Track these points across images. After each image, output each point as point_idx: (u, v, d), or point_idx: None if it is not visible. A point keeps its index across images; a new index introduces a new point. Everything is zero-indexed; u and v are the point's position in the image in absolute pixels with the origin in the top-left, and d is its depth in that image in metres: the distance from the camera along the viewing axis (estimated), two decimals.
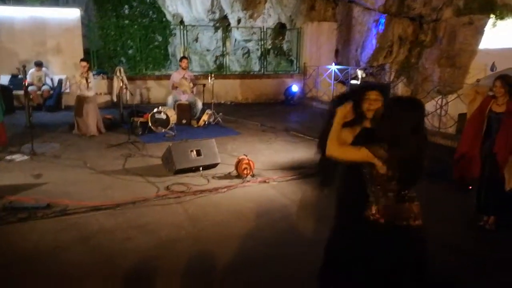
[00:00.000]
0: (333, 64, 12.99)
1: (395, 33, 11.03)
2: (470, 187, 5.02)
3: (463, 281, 3.48)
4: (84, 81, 8.18)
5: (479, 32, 9.95)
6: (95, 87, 8.76)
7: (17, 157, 6.60)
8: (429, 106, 9.58)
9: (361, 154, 2.30)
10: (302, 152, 7.44)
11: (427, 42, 10.63)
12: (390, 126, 2.30)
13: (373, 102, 2.52)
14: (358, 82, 6.10)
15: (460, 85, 9.21)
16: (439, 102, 8.89)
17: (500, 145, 4.19)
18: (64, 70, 11.37)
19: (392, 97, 2.68)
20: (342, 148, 2.39)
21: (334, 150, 2.38)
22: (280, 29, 15.26)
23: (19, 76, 10.87)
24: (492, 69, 9.97)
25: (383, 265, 2.37)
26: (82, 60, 8.56)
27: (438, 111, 8.88)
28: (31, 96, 10.00)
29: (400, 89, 10.80)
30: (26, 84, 8.92)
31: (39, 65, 10.98)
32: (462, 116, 8.94)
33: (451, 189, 5.43)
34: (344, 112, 2.44)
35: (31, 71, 10.78)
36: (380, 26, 11.35)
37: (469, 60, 9.71)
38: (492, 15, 9.92)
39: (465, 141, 4.78)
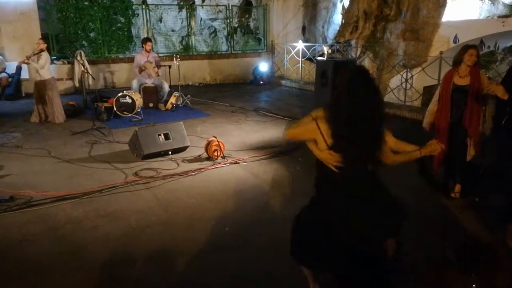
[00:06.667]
0: (300, 41, 12.94)
1: (360, 8, 11.01)
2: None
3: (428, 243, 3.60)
4: (34, 63, 7.68)
5: (442, 5, 10.05)
6: (50, 70, 8.07)
7: None
8: (395, 80, 9.73)
9: None
10: (272, 131, 7.44)
11: (392, 16, 10.66)
12: None
13: None
14: (324, 59, 6.08)
15: (425, 58, 9.35)
16: (404, 75, 9.02)
17: (469, 120, 4.25)
18: (21, 56, 10.80)
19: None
20: None
21: None
22: (246, 6, 15.02)
23: None
24: (455, 41, 10.16)
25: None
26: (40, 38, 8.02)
27: (404, 84, 9.02)
28: None
29: (367, 64, 10.88)
30: None
31: None
32: (427, 88, 9.12)
33: (418, 161, 5.54)
34: None
35: None
36: (345, 1, 11.32)
37: (433, 33, 9.82)
38: None
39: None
